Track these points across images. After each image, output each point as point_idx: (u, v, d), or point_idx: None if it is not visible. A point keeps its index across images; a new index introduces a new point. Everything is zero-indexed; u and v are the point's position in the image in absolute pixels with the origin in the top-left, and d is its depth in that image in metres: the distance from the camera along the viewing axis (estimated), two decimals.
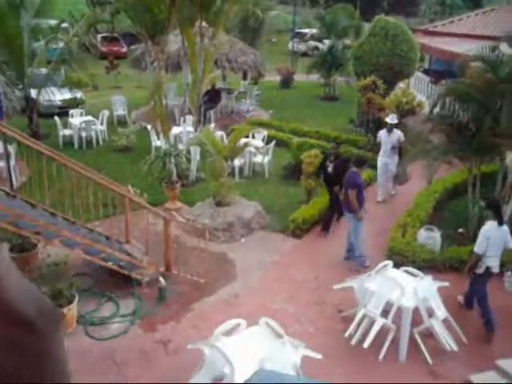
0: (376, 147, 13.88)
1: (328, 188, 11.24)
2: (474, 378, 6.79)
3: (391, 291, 7.29)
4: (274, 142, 14.70)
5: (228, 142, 12.32)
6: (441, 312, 7.42)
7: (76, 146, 16.12)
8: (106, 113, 17.35)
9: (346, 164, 10.45)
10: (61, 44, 17.08)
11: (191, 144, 13.38)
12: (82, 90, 20.59)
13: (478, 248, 7.56)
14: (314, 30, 40.51)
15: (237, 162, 13.70)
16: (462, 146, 9.82)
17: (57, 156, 7.97)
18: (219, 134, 14.45)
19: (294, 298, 8.74)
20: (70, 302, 7.55)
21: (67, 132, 16.47)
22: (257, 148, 13.18)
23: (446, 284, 7.97)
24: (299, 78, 28.44)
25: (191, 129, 14.18)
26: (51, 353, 1.24)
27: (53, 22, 18.07)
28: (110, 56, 26.97)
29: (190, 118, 14.90)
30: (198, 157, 13.59)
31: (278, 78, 28.13)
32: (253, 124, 17.88)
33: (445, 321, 7.47)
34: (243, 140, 12.72)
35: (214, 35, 13.19)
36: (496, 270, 7.76)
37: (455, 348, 7.34)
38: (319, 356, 6.35)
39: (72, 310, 7.58)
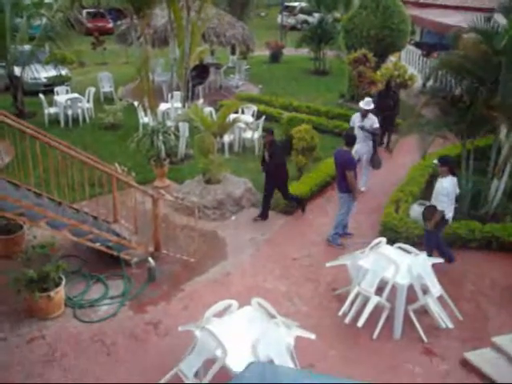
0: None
1: (267, 180, 10.34)
2: (469, 355, 6.71)
3: (385, 269, 7.14)
4: (263, 118, 14.48)
5: (217, 118, 12.09)
6: (436, 289, 7.29)
7: (62, 124, 15.80)
8: (93, 90, 17.02)
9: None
10: (44, 20, 16.65)
11: (179, 120, 13.12)
12: (68, 66, 20.19)
13: (444, 206, 8.06)
14: (304, 4, 40.10)
15: (226, 139, 13.48)
16: (455, 120, 9.63)
17: (40, 135, 7.70)
18: (208, 109, 14.20)
19: (286, 276, 8.60)
20: (58, 285, 7.36)
21: (53, 110, 16.13)
22: (246, 124, 12.94)
23: (441, 260, 7.87)
24: (289, 52, 28.08)
25: (179, 105, 13.89)
26: None
27: None
28: (95, 32, 26.50)
29: (177, 94, 14.60)
30: (187, 133, 13.33)
31: (267, 53, 27.73)
32: (242, 99, 17.63)
33: (440, 298, 7.35)
34: (232, 116, 12.47)
35: (201, 8, 12.83)
36: (450, 219, 8.37)
37: (450, 325, 7.25)
38: (313, 336, 6.22)
39: (59, 293, 7.40)
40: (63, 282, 7.50)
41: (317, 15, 28.89)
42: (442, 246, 8.59)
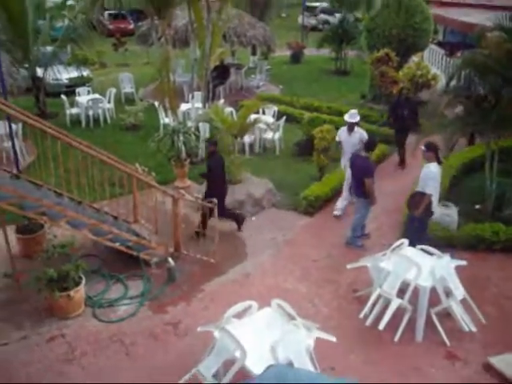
0: (389, 122, 13.59)
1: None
2: (493, 359, 6.57)
3: (407, 270, 7.03)
4: (284, 118, 14.42)
5: (237, 119, 12.04)
6: (459, 292, 7.15)
7: (83, 124, 15.89)
8: (114, 90, 17.10)
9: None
10: (66, 21, 16.81)
11: (200, 121, 13.12)
12: (89, 68, 20.35)
13: (431, 190, 8.07)
14: (325, 4, 39.89)
15: (247, 139, 13.45)
16: (480, 120, 9.46)
17: (61, 135, 7.73)
18: (228, 110, 14.16)
19: (306, 278, 8.53)
20: (77, 284, 7.38)
21: (74, 111, 16.24)
22: (267, 124, 12.88)
23: (464, 263, 7.69)
24: (310, 52, 27.95)
25: (200, 105, 13.89)
26: None
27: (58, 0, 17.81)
28: (117, 33, 26.69)
29: (198, 95, 14.59)
30: (207, 134, 13.32)
31: (288, 53, 27.66)
32: (263, 100, 17.58)
33: (463, 301, 7.21)
34: (253, 116, 12.41)
35: (221, 9, 12.81)
36: (436, 208, 8.47)
37: (474, 329, 7.11)
38: (333, 338, 6.13)
39: (79, 292, 7.42)
40: (83, 282, 7.52)
41: (338, 15, 28.70)
42: (427, 234, 8.54)
